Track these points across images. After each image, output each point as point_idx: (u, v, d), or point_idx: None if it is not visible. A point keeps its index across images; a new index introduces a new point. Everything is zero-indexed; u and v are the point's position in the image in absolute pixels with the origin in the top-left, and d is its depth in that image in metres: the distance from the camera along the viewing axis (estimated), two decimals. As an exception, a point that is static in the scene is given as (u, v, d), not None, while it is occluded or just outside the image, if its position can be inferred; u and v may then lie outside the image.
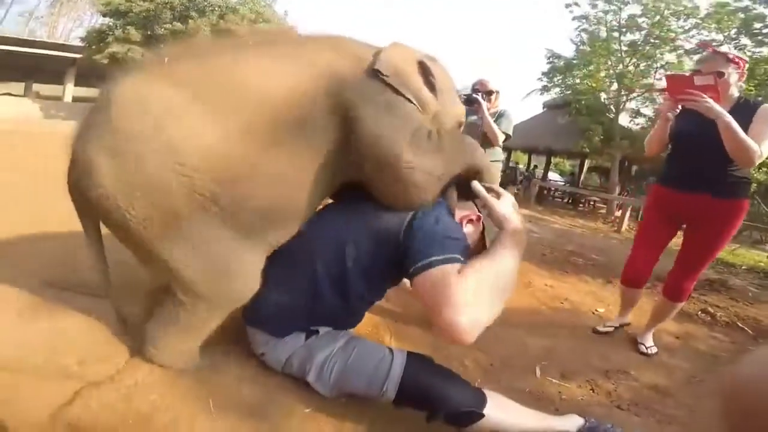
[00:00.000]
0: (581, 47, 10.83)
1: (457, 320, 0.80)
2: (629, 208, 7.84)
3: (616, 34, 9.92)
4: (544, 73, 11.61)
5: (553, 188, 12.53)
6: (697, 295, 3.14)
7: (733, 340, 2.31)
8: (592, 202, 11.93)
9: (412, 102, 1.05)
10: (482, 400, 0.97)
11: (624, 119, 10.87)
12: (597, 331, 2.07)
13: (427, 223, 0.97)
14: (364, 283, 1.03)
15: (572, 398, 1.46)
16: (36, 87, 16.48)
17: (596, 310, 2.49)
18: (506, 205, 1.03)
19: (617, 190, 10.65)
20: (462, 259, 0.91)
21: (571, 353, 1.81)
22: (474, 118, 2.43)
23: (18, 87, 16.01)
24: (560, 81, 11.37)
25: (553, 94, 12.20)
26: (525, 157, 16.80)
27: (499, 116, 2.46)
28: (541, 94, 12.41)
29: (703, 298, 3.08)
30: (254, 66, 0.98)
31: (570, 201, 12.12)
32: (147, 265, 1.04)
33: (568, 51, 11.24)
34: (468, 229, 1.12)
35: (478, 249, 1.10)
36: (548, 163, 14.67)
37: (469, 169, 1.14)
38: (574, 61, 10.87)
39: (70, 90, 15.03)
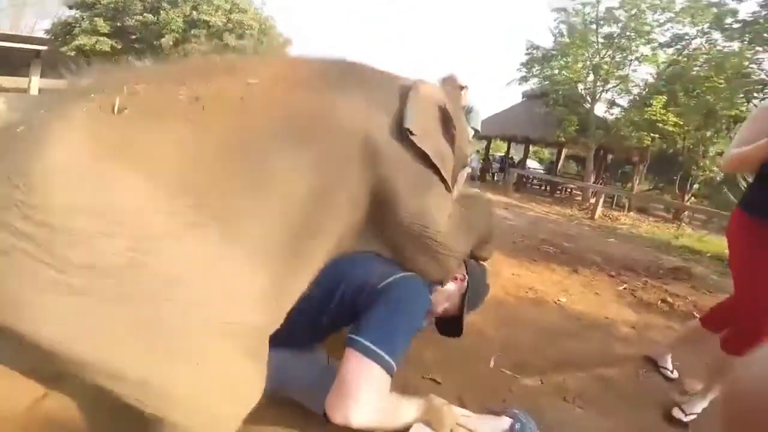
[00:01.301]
0: (559, 39, 10.98)
1: (350, 416, 0.85)
2: (603, 196, 8.09)
3: (593, 27, 10.07)
4: (522, 64, 11.81)
5: (531, 176, 12.82)
6: (659, 283, 3.28)
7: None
8: (569, 190, 12.25)
9: (437, 167, 0.94)
10: None
11: (600, 109, 11.14)
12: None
13: (394, 301, 0.94)
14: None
15: (521, 390, 1.52)
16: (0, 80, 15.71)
17: (559, 300, 2.57)
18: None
19: (592, 178, 10.92)
20: (392, 368, 0.90)
21: (528, 345, 1.87)
22: None
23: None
24: (539, 71, 11.53)
25: (532, 84, 12.40)
26: (504, 146, 17.00)
27: (467, 112, 2.54)
28: (519, 84, 12.64)
29: (665, 287, 3.22)
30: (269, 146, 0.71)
31: (547, 188, 12.38)
32: None
33: (547, 42, 11.39)
34: (451, 286, 1.20)
35: (454, 305, 1.22)
36: (526, 151, 14.91)
37: (481, 240, 1.22)
38: (553, 53, 11.03)
39: (36, 82, 14.39)
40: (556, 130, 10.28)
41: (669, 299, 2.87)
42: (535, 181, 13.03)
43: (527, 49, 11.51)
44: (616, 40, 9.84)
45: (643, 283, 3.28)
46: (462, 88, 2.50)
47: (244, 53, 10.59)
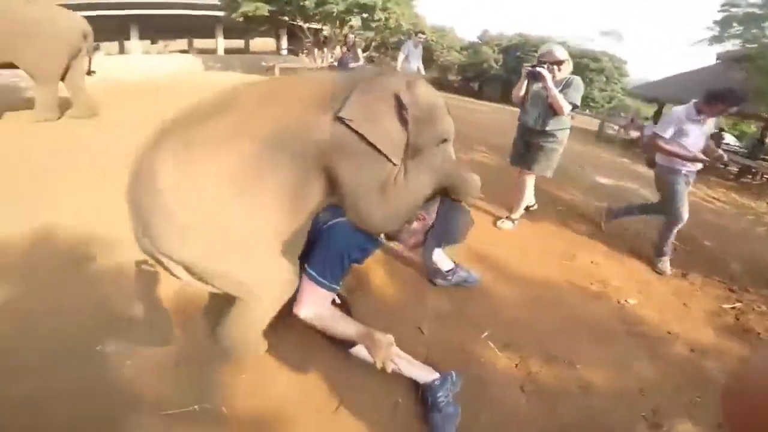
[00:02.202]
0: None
1: (298, 312, 1.29)
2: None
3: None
4: (716, 22, 9.04)
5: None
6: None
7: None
8: (765, 176, 8.95)
9: (374, 147, 1.17)
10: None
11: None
12: None
13: (326, 240, 1.30)
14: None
15: (488, 364, 1.61)
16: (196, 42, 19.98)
17: (626, 300, 2.27)
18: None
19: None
20: (328, 286, 1.29)
21: (536, 331, 1.83)
22: (539, 86, 2.51)
23: (182, 43, 19.69)
24: (739, 32, 8.66)
25: (729, 45, 9.39)
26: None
27: (565, 85, 2.44)
28: (710, 44, 9.71)
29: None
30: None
31: (739, 171, 9.21)
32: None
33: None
34: (414, 224, 1.44)
35: (418, 240, 1.47)
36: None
37: (444, 185, 1.40)
38: (759, 12, 8.11)
39: (221, 43, 17.83)
40: (759, 103, 7.73)
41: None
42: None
43: (722, 6, 8.78)
44: None
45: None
46: (561, 62, 2.45)
47: (373, 9, 10.96)
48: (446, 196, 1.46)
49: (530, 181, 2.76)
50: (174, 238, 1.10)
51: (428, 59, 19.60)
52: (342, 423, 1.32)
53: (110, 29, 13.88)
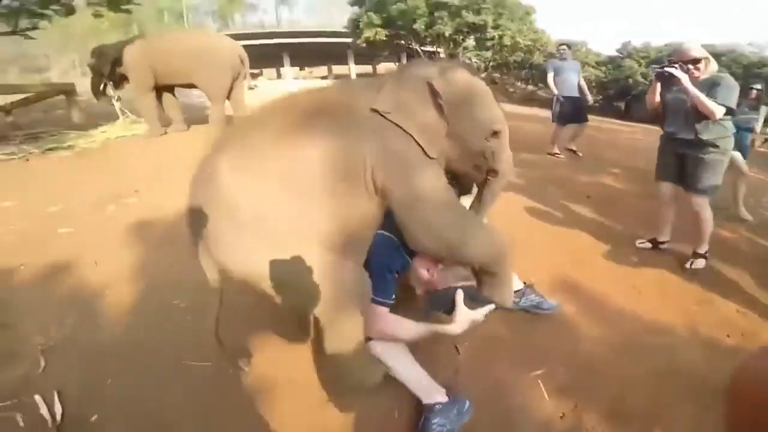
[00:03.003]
0: None
1: (368, 331, 1.22)
2: None
3: None
4: None
5: None
6: None
7: None
8: None
9: (412, 137, 1.13)
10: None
11: None
12: None
13: (372, 250, 1.25)
14: None
15: (525, 407, 1.32)
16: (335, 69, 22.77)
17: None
18: (460, 307, 1.21)
19: None
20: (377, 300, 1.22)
21: (612, 380, 1.43)
22: (676, 89, 2.15)
23: (324, 70, 22.65)
24: None
25: None
26: None
27: (712, 85, 2.04)
28: None
29: None
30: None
31: None
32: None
33: None
34: (422, 273, 1.36)
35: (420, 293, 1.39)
36: None
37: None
38: None
39: (353, 68, 19.95)
40: None
41: None
42: None
43: None
44: None
45: None
46: (698, 60, 2.08)
47: (484, 28, 10.70)
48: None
49: (703, 203, 2.17)
50: (233, 239, 1.07)
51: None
52: (328, 419, 1.25)
53: (268, 57, 16.93)
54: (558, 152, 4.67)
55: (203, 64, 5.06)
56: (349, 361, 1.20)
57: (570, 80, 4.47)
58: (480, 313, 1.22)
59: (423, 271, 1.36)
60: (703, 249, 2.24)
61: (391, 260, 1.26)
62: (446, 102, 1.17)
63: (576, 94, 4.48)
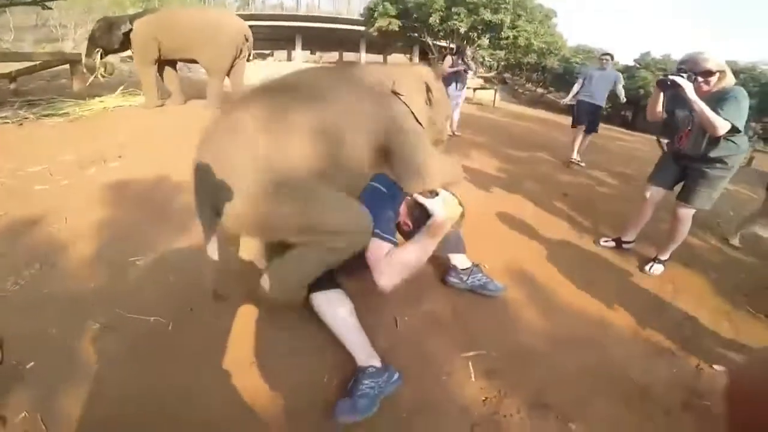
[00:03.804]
0: None
1: (378, 279, 1.34)
2: None
3: None
4: None
5: None
6: None
7: None
8: None
9: (414, 115, 1.53)
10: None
11: None
12: None
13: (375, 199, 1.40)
14: None
15: (449, 387, 1.35)
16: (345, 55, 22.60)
17: (711, 366, 1.58)
18: (436, 203, 1.44)
19: None
20: (391, 238, 1.37)
21: (543, 370, 1.46)
22: (682, 103, 1.98)
23: (334, 55, 22.55)
24: None
25: None
26: None
27: (719, 99, 1.87)
28: None
29: None
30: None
31: None
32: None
33: None
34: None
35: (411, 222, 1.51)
36: None
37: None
38: None
39: (363, 57, 19.81)
40: None
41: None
42: None
43: None
44: None
45: None
46: (711, 73, 1.90)
47: (500, 27, 10.55)
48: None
49: (688, 216, 2.12)
50: (251, 183, 1.21)
51: (570, 83, 17.56)
52: (255, 377, 1.29)
53: (282, 38, 16.86)
54: (578, 160, 4.43)
55: (205, 39, 5.06)
56: (288, 274, 1.34)
57: (600, 89, 4.31)
58: (444, 194, 1.47)
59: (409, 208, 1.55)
60: (664, 256, 2.23)
61: (391, 203, 1.46)
62: (434, 98, 1.69)
63: (599, 103, 4.32)
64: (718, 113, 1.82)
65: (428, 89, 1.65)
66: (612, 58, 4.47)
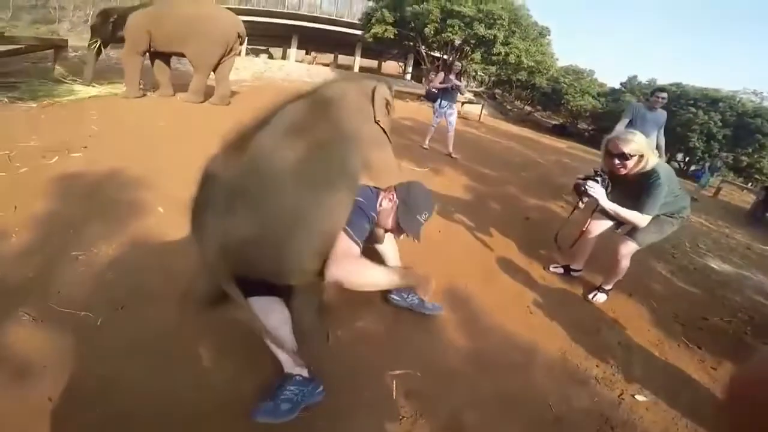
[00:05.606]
0: None
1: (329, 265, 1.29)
2: None
3: None
4: None
5: None
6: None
7: None
8: None
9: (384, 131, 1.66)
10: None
11: None
12: None
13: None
14: None
15: (364, 405, 1.37)
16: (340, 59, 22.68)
17: (633, 396, 1.63)
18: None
19: None
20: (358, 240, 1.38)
21: (466, 394, 1.49)
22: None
23: (329, 57, 22.58)
24: None
25: None
26: None
27: (642, 183, 1.90)
28: None
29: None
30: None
31: None
32: None
33: None
34: (386, 204, 1.56)
35: (394, 219, 1.54)
36: None
37: None
38: None
39: (358, 61, 19.89)
40: None
41: None
42: None
43: None
44: None
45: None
46: (626, 157, 1.91)
47: (493, 43, 10.75)
48: None
49: (630, 250, 2.13)
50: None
51: (557, 103, 18.13)
52: (176, 376, 1.31)
53: (279, 36, 16.83)
54: None
55: (195, 33, 5.07)
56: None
57: (649, 131, 3.60)
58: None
59: (385, 201, 1.61)
60: (608, 286, 2.29)
61: (368, 212, 1.49)
62: (390, 110, 1.75)
63: None
64: (641, 198, 1.90)
65: (388, 104, 1.73)
66: (667, 96, 3.88)
